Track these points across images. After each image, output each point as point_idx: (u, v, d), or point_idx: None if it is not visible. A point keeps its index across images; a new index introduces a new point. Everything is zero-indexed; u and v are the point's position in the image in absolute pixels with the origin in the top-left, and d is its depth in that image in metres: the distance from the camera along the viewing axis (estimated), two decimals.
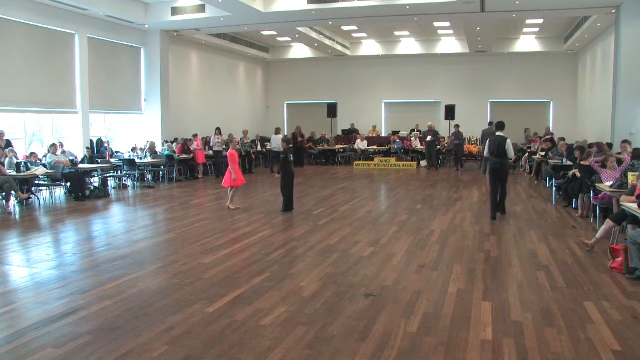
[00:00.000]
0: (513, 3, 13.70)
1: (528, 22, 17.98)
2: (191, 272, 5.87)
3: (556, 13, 15.42)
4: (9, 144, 11.73)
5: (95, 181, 13.10)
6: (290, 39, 21.08)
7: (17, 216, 9.82)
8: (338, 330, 4.21)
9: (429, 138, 18.54)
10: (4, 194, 9.87)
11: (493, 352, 3.82)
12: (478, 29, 17.22)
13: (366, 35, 21.67)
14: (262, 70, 25.50)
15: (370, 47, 23.08)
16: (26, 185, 10.76)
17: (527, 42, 21.11)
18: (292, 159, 10.28)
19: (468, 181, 14.93)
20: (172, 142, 16.14)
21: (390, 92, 24.05)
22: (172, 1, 15.59)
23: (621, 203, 6.63)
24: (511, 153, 9.22)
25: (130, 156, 14.36)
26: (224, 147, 16.00)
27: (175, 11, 15.70)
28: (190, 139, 16.21)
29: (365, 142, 20.63)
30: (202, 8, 15.34)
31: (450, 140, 18.93)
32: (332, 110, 21.99)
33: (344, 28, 19.79)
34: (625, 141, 10.17)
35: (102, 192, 12.11)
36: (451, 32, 20.30)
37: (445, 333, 4.16)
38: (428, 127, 18.77)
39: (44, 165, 11.43)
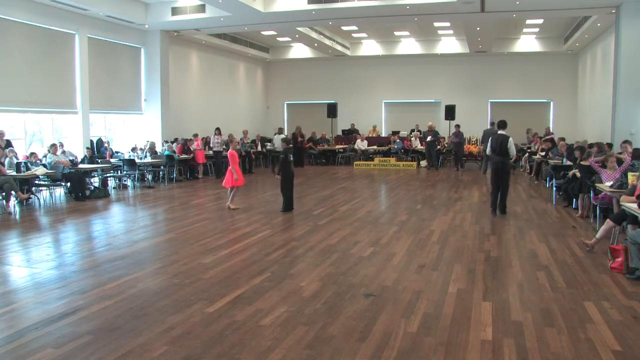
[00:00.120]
0: (513, 3, 13.70)
1: (528, 22, 17.98)
2: (191, 272, 5.87)
3: (556, 13, 15.42)
4: (9, 144, 11.73)
5: (95, 181, 13.10)
6: (290, 39, 21.08)
7: (17, 216, 9.82)
8: (338, 330, 4.21)
9: (429, 138, 18.54)
10: (4, 194, 9.87)
11: (493, 352, 3.82)
12: (478, 29, 17.22)
13: (366, 35, 21.68)
14: (262, 70, 25.50)
15: (370, 47, 23.08)
16: (26, 185, 10.76)
17: (527, 42, 21.11)
18: (291, 159, 10.28)
19: (468, 181, 14.93)
20: (172, 142, 16.14)
21: (390, 92, 24.06)
22: (172, 1, 15.59)
23: (621, 203, 6.63)
24: (513, 151, 9.32)
25: (130, 156, 14.35)
26: (224, 147, 16.00)
27: (175, 11, 15.70)
28: (191, 139, 16.21)
29: (365, 142, 20.63)
30: (202, 8, 15.35)
31: (450, 140, 18.93)
32: (332, 110, 21.99)
33: (344, 28, 19.79)
34: (625, 141, 10.18)
35: (102, 192, 12.10)
36: (451, 32, 20.30)
37: (445, 333, 4.16)
38: (428, 127, 18.77)
39: (44, 165, 11.43)
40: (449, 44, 21.93)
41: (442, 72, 23.17)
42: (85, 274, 5.85)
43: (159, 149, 16.11)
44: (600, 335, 4.11)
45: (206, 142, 17.24)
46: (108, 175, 13.50)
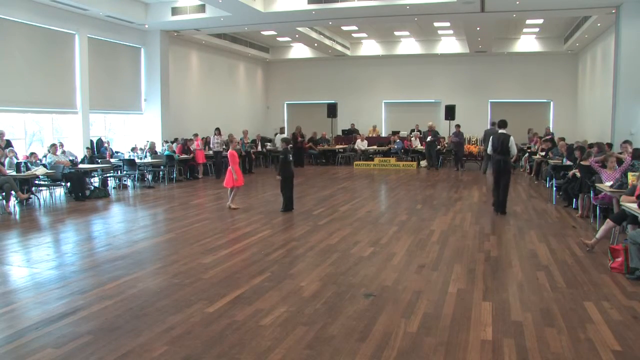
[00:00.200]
0: (513, 3, 13.70)
1: (528, 22, 17.98)
2: (191, 272, 5.87)
3: (556, 13, 15.42)
4: (9, 144, 11.73)
5: (95, 181, 13.10)
6: (290, 39, 21.08)
7: (17, 216, 9.82)
8: (338, 330, 4.21)
9: (429, 138, 18.54)
10: (4, 194, 9.87)
11: (493, 352, 3.82)
12: (478, 29, 17.22)
13: (366, 35, 21.68)
14: (262, 70, 25.50)
15: (370, 47, 23.08)
16: (26, 185, 10.76)
17: (527, 42, 21.11)
18: (291, 158, 10.28)
19: (468, 181, 14.93)
20: (172, 142, 16.14)
21: (390, 92, 24.06)
22: (172, 1, 15.60)
23: (621, 203, 6.63)
24: (514, 150, 9.46)
25: (130, 156, 14.35)
26: (224, 147, 16.00)
27: (175, 11, 15.70)
28: (191, 139, 16.21)
29: (365, 142, 20.63)
30: (202, 8, 15.35)
31: (450, 139, 18.93)
32: (332, 110, 21.99)
33: (344, 28, 19.79)
34: (626, 141, 10.18)
35: (102, 192, 12.10)
36: (451, 32, 20.30)
37: (445, 333, 4.16)
38: (428, 127, 18.77)
39: (44, 165, 11.43)
40: (449, 44, 21.93)
41: (442, 72, 23.17)
42: (85, 274, 5.85)
43: (159, 149, 16.11)
44: (600, 335, 4.11)
45: (206, 142, 17.25)
46: (108, 175, 13.50)
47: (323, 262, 6.31)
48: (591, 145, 11.16)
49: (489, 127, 18.59)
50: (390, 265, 6.15)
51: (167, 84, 17.64)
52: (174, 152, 15.33)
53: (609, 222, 6.61)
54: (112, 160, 13.83)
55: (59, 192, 12.28)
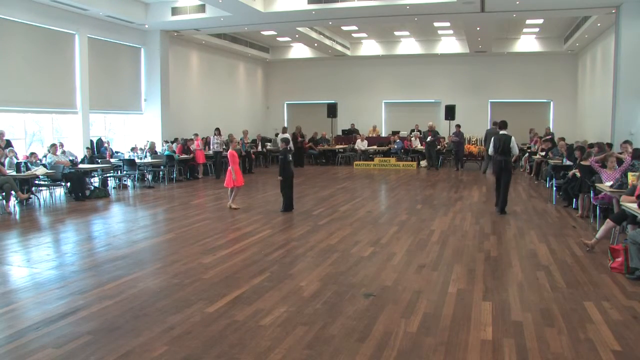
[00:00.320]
0: (513, 3, 13.70)
1: (528, 22, 17.99)
2: (191, 272, 5.87)
3: (556, 13, 15.42)
4: (9, 144, 11.74)
5: (95, 181, 13.10)
6: (290, 39, 21.09)
7: (17, 216, 9.82)
8: (338, 330, 4.21)
9: (429, 138, 18.53)
10: (4, 194, 9.87)
11: (493, 352, 3.82)
12: (478, 29, 17.22)
13: (366, 35, 21.68)
14: (262, 70, 25.50)
15: (370, 47, 23.08)
16: (26, 185, 10.76)
17: (527, 42, 21.11)
18: (290, 158, 10.28)
19: (468, 181, 14.93)
20: (172, 142, 16.14)
21: (390, 92, 24.06)
22: (172, 1, 15.60)
23: (621, 203, 6.63)
24: (515, 150, 9.68)
25: (130, 156, 14.35)
26: (224, 147, 16.01)
27: (175, 11, 15.70)
28: (191, 139, 16.21)
29: (365, 142, 20.62)
30: (202, 8, 15.35)
31: (450, 139, 18.94)
32: (332, 110, 21.99)
33: (344, 28, 19.79)
34: (626, 142, 10.19)
35: (102, 192, 12.10)
36: (451, 32, 20.30)
37: (445, 333, 4.16)
38: (428, 127, 18.77)
39: (44, 165, 11.43)
40: (449, 44, 21.93)
41: (442, 72, 23.17)
42: (85, 274, 5.85)
43: (159, 149, 16.11)
44: (600, 335, 4.11)
45: (206, 142, 17.25)
46: (108, 175, 13.50)
47: (323, 262, 6.31)
48: (591, 145, 11.15)
49: (489, 127, 18.59)
50: (390, 265, 6.15)
51: (167, 84, 17.64)
52: (174, 152, 15.33)
53: (609, 222, 6.61)
54: (112, 160, 13.82)
55: (59, 192, 12.27)
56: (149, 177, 14.84)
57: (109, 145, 14.85)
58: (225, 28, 17.91)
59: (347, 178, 15.96)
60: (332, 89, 24.46)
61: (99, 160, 13.34)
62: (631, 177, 7.07)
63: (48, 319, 4.45)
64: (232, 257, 6.54)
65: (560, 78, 21.92)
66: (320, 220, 8.96)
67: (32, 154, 11.66)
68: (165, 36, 17.40)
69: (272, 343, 3.97)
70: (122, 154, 15.17)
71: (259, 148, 19.95)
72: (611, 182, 7.76)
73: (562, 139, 14.18)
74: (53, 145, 12.22)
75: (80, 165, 12.51)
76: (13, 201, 10.43)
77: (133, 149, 14.94)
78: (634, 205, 6.22)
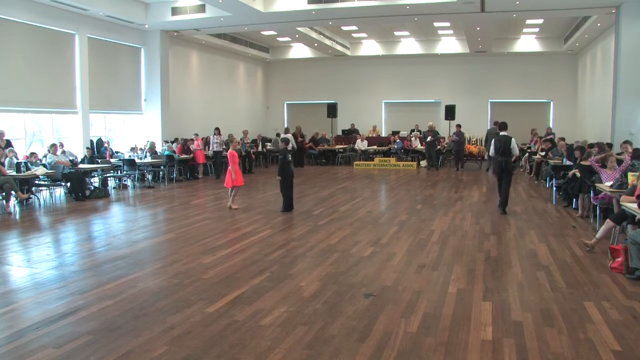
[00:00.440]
0: (513, 3, 13.70)
1: (528, 22, 17.98)
2: (191, 272, 5.87)
3: (556, 13, 15.42)
4: (9, 144, 11.74)
5: (95, 181, 13.10)
6: (290, 39, 21.09)
7: (17, 216, 9.82)
8: (338, 330, 4.21)
9: (429, 138, 18.53)
10: (4, 194, 9.87)
11: (493, 352, 3.82)
12: (478, 29, 17.22)
13: (366, 35, 21.68)
14: (262, 70, 25.50)
15: (370, 47, 23.08)
16: (26, 185, 10.76)
17: (527, 42, 21.11)
18: (290, 158, 10.28)
19: (468, 181, 14.93)
20: (172, 142, 16.14)
21: (390, 92, 24.06)
22: (172, 1, 15.60)
23: (621, 203, 6.63)
24: (516, 151, 9.82)
25: (130, 156, 14.35)
26: (224, 147, 16.01)
27: (175, 11, 15.70)
28: (191, 139, 16.22)
29: (365, 142, 20.62)
30: (202, 8, 15.35)
31: (450, 139, 18.94)
32: (332, 110, 21.99)
33: (344, 28, 19.79)
34: (626, 142, 10.19)
35: (102, 192, 12.10)
36: (451, 32, 20.30)
37: (445, 333, 4.16)
38: (428, 127, 18.77)
39: (44, 165, 11.43)
40: (449, 44, 21.93)
41: (442, 72, 23.17)
42: (85, 274, 5.85)
43: (159, 149, 16.11)
44: (600, 335, 4.11)
45: (206, 142, 17.25)
46: (108, 175, 13.50)
47: (323, 262, 6.31)
48: (591, 145, 11.16)
49: (489, 127, 18.59)
50: (390, 265, 6.15)
51: (167, 84, 17.64)
52: (174, 152, 15.33)
53: (609, 222, 6.61)
54: (112, 160, 13.82)
55: (59, 192, 12.27)
56: (149, 177, 14.84)
57: (109, 145, 14.85)
58: (225, 28, 17.91)
59: (347, 178, 15.96)
60: (332, 89, 24.46)
61: (99, 160, 13.34)
62: (631, 177, 7.07)
63: (48, 319, 4.45)
64: (232, 257, 6.54)
65: (560, 78, 21.92)
66: (320, 220, 8.96)
67: (32, 154, 11.66)
68: (165, 36, 17.40)
69: (272, 343, 3.98)
70: (122, 154, 15.17)
71: (259, 148, 19.95)
72: (611, 182, 7.76)
73: (562, 139, 14.18)
74: (53, 145, 12.22)
75: (80, 165, 12.51)
76: (13, 201, 10.43)
77: (133, 149, 14.95)
78: (634, 205, 6.22)
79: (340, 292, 5.16)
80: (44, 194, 11.76)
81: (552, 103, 22.31)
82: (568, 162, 11.47)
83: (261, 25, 17.35)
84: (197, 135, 16.65)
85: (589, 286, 5.35)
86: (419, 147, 19.66)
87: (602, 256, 6.42)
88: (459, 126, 18.37)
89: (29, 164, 10.99)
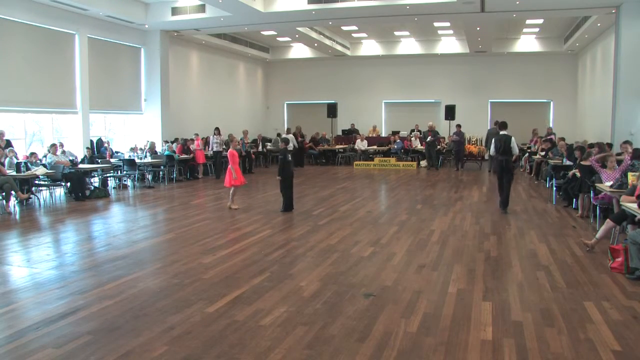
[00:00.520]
0: (513, 3, 13.70)
1: (528, 22, 17.98)
2: (191, 272, 5.87)
3: (556, 13, 15.42)
4: (9, 144, 11.73)
5: (95, 181, 13.10)
6: (290, 39, 21.08)
7: (17, 216, 9.82)
8: (338, 330, 4.21)
9: (429, 138, 18.54)
10: (4, 194, 9.87)
11: (493, 352, 3.82)
12: (478, 29, 17.22)
13: (366, 35, 21.68)
14: (262, 70, 25.50)
15: (370, 47, 23.08)
16: (26, 185, 10.76)
17: (527, 42, 21.11)
18: (290, 158, 10.28)
19: (468, 181, 14.93)
20: (172, 142, 16.14)
21: (390, 92, 24.06)
22: (172, 1, 15.59)
23: (621, 203, 6.63)
24: (516, 150, 9.90)
25: (130, 156, 14.35)
26: (223, 147, 16.01)
27: (175, 11, 15.70)
28: (191, 139, 16.22)
29: (365, 142, 20.62)
30: (202, 8, 15.35)
31: (450, 139, 18.94)
32: (332, 110, 21.99)
33: (344, 28, 19.79)
34: (626, 142, 10.19)
35: (102, 192, 12.10)
36: (451, 32, 20.30)
37: (445, 333, 4.16)
38: (428, 127, 18.78)
39: (44, 165, 11.43)
40: (449, 44, 21.92)
41: (442, 72, 23.16)
42: (85, 274, 5.85)
43: (159, 149, 16.11)
44: (600, 335, 4.11)
45: (206, 142, 17.25)
46: (108, 175, 13.50)
47: (323, 262, 6.31)
48: (591, 145, 11.16)
49: (489, 127, 18.57)
50: (390, 265, 6.15)
51: (167, 84, 17.64)
52: (174, 152, 15.33)
53: (609, 222, 6.61)
54: (112, 160, 13.82)
55: (59, 192, 12.27)
56: (149, 177, 14.84)
57: (109, 145, 14.85)
58: (225, 28, 17.91)
59: (347, 178, 15.96)
60: (332, 89, 24.45)
61: (99, 160, 13.34)
62: (631, 177, 7.07)
63: (48, 319, 4.45)
64: (232, 257, 6.54)
65: (560, 78, 21.92)
66: (320, 220, 8.96)
67: (32, 154, 11.66)
68: (165, 36, 17.40)
69: (272, 343, 3.98)
70: (122, 154, 15.17)
71: (259, 148, 19.95)
72: (611, 182, 7.76)
73: (562, 138, 14.19)
74: (53, 145, 12.22)
75: (80, 165, 12.51)
76: (13, 201, 10.43)
77: (133, 149, 14.95)
78: (634, 205, 6.22)
79: (340, 292, 5.16)
80: (44, 194, 11.76)
81: (552, 103, 22.30)
82: (568, 162, 11.48)
83: (261, 25, 17.35)
84: (197, 135, 16.65)
85: (589, 286, 5.35)
86: (419, 147, 19.67)
87: (602, 256, 6.42)
88: (459, 126, 18.37)
89: (29, 164, 10.99)
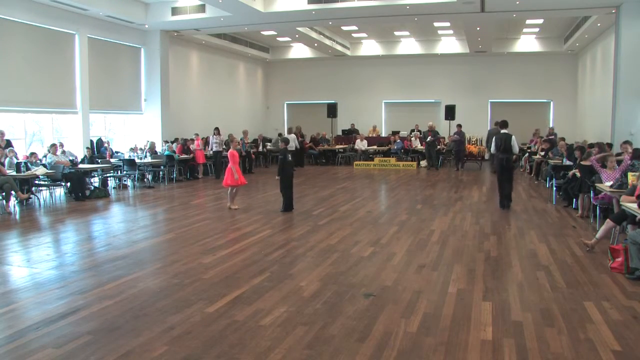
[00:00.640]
0: (513, 3, 13.70)
1: (528, 22, 17.98)
2: (191, 272, 5.87)
3: (556, 13, 15.42)
4: (9, 144, 11.73)
5: (95, 181, 13.10)
6: (290, 39, 21.08)
7: (17, 216, 9.82)
8: (338, 330, 4.21)
9: (429, 138, 18.54)
10: (4, 194, 9.87)
11: (493, 352, 3.82)
12: (478, 29, 17.22)
13: (366, 35, 21.68)
14: (262, 70, 25.50)
15: (370, 47, 23.08)
16: (26, 185, 10.76)
17: (527, 42, 21.11)
18: (290, 158, 10.28)
19: (468, 181, 14.93)
20: (172, 142, 16.15)
21: (390, 92, 24.06)
22: (172, 1, 15.59)
23: (621, 203, 6.63)
24: (516, 148, 10.10)
25: (130, 156, 14.35)
26: (223, 147, 16.01)
27: (175, 11, 15.70)
28: (191, 139, 16.22)
29: (365, 142, 20.63)
30: (202, 8, 15.35)
31: (451, 139, 18.94)
32: (332, 110, 22.00)
33: (344, 28, 19.79)
34: (626, 142, 10.18)
35: (102, 192, 12.10)
36: (451, 32, 20.30)
37: (445, 333, 4.16)
38: (428, 127, 18.78)
39: (44, 165, 11.43)
40: (449, 44, 21.92)
41: (442, 72, 23.16)
42: (85, 274, 5.85)
43: (159, 149, 16.11)
44: (600, 335, 4.11)
45: (206, 142, 17.25)
46: (108, 175, 13.50)
47: (323, 262, 6.31)
48: (591, 145, 11.16)
49: (490, 127, 18.57)
50: (390, 265, 6.15)
51: (167, 84, 17.64)
52: (174, 152, 15.33)
53: (609, 222, 6.61)
54: (112, 160, 13.82)
55: (59, 192, 12.27)
56: (149, 177, 14.85)
57: (109, 145, 14.85)
58: (225, 28, 17.90)
59: (347, 178, 15.96)
60: (332, 89, 24.45)
61: (99, 160, 13.34)
62: (631, 177, 7.07)
63: (48, 319, 4.45)
64: (232, 257, 6.54)
65: (560, 78, 21.92)
66: (320, 220, 8.96)
67: (32, 154, 11.66)
68: (165, 36, 17.40)
69: (272, 343, 3.98)
70: (122, 154, 15.17)
71: (259, 148, 19.95)
72: (611, 182, 7.76)
73: (562, 138, 14.19)
74: (53, 145, 12.22)
75: (80, 165, 12.51)
76: (13, 201, 10.43)
77: (133, 149, 14.95)
78: (634, 205, 6.22)
79: (340, 292, 5.16)
80: (44, 194, 11.76)
81: (552, 103, 22.30)
82: (568, 162, 11.48)
83: (261, 25, 17.35)
84: (197, 135, 16.65)
85: (589, 286, 5.35)
86: (419, 147, 19.67)
87: (602, 256, 6.42)
88: (459, 126, 18.38)
89: (29, 164, 10.99)
